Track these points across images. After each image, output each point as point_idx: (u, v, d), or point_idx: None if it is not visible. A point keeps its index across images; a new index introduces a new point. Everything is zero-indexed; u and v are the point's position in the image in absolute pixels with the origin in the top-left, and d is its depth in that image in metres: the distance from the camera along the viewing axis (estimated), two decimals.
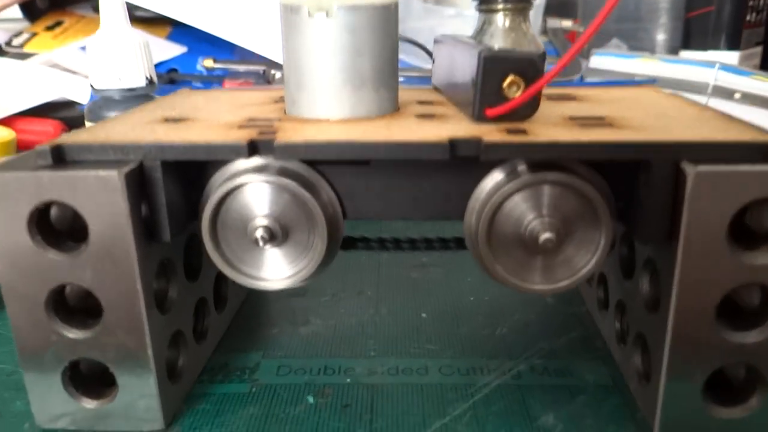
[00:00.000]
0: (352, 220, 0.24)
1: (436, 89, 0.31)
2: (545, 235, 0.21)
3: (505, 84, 0.22)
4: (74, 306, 0.23)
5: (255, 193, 0.22)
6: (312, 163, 0.23)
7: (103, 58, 0.35)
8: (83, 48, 0.64)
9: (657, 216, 0.21)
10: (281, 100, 0.28)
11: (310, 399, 0.25)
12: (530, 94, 0.22)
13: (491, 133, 0.21)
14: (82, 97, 0.55)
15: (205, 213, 0.22)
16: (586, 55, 0.71)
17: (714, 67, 0.57)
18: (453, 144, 0.21)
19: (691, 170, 0.19)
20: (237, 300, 0.32)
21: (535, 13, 0.65)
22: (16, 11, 0.75)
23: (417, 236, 0.30)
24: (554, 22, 0.78)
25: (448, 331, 0.30)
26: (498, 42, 0.42)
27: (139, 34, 0.36)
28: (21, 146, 0.51)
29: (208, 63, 0.62)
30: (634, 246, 0.25)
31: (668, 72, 0.60)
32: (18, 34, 0.71)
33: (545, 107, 0.26)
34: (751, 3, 0.69)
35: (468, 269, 0.36)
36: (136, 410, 0.23)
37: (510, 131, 0.22)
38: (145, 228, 0.22)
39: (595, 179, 0.22)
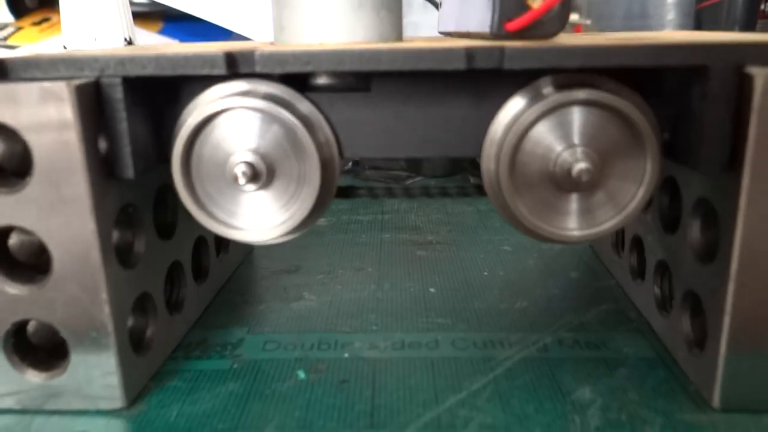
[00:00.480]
0: (350, 158, 0.20)
1: (446, 35, 0.28)
2: (579, 166, 0.18)
3: None
4: (23, 261, 0.19)
5: (239, 122, 0.19)
6: (304, 91, 0.19)
7: (76, 15, 0.32)
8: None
9: (717, 136, 0.17)
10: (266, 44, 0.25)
11: (301, 374, 0.21)
12: (556, 1, 0.18)
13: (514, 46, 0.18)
14: None
15: (177, 142, 0.18)
16: None
17: None
18: (470, 53, 0.17)
19: (760, 73, 0.16)
20: (221, 274, 0.28)
21: None
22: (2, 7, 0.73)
23: (431, 184, 0.26)
24: None
25: (461, 306, 0.26)
26: None
27: None
28: None
29: None
30: (679, 192, 0.21)
31: None
32: (2, 28, 0.69)
33: (570, 38, 0.22)
34: None
35: (481, 246, 0.33)
36: (92, 385, 0.19)
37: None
38: (104, 163, 0.18)
39: (635, 99, 0.18)
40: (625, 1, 0.85)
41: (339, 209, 0.40)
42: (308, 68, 0.18)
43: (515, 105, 0.19)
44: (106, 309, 0.18)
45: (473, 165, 0.45)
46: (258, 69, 0.18)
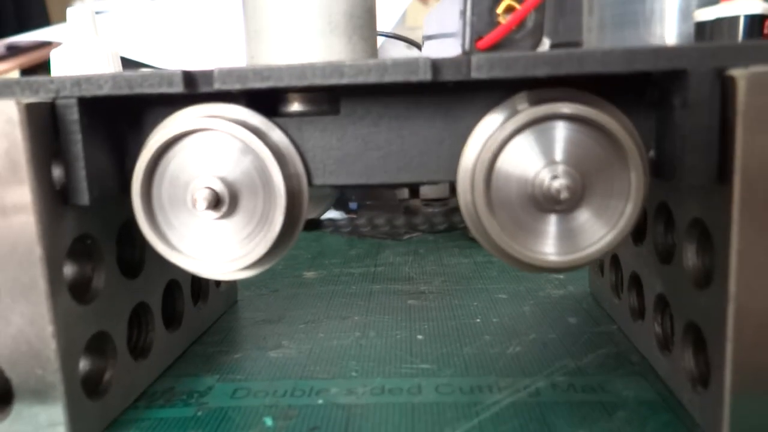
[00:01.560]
0: (319, 186, 0.19)
1: None
2: (559, 183, 0.17)
3: (500, 9, 0.18)
4: None
5: (206, 145, 0.18)
6: (272, 116, 0.19)
7: (70, 68, 0.32)
8: None
9: (701, 144, 0.16)
10: None
11: (268, 421, 0.19)
12: (526, 11, 0.18)
13: None
14: None
15: (142, 158, 0.18)
16: None
17: None
18: (436, 64, 0.17)
19: (742, 75, 0.15)
20: (198, 323, 0.27)
21: None
22: None
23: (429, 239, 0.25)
24: None
25: (449, 351, 0.24)
26: None
27: (108, 44, 0.33)
28: None
29: None
30: (673, 218, 0.20)
31: None
32: None
33: None
34: None
35: (475, 294, 0.31)
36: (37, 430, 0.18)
37: None
38: (60, 190, 0.17)
39: (614, 112, 0.17)
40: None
41: (331, 263, 0.38)
42: (269, 84, 0.17)
43: (490, 122, 0.18)
44: (53, 344, 0.17)
45: None
46: (217, 86, 0.17)
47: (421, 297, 0.31)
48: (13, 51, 0.72)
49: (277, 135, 0.19)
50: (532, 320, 0.27)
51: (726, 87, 0.15)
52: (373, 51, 0.22)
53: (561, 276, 0.33)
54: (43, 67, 0.74)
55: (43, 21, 1.01)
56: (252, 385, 0.22)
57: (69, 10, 0.33)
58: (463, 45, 0.19)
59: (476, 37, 0.18)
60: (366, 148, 0.19)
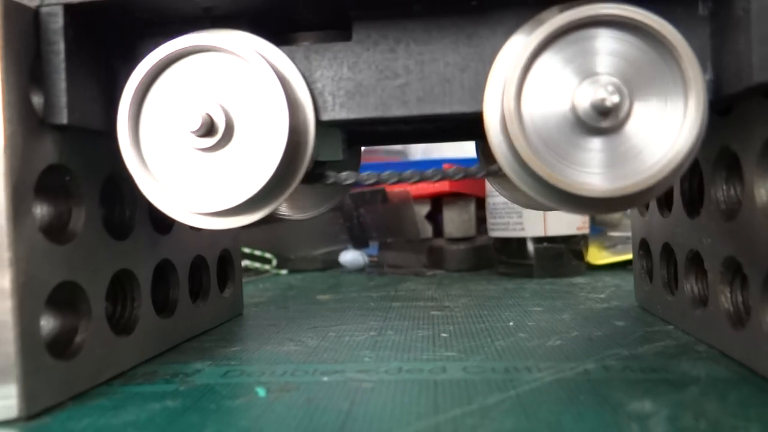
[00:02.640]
0: (326, 125, 0.17)
1: None
2: (602, 91, 0.14)
3: None
4: None
5: (203, 68, 0.16)
6: (279, 45, 0.17)
7: None
8: None
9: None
10: None
11: (261, 392, 0.16)
12: None
13: None
14: None
15: (131, 80, 0.16)
16: None
17: None
18: None
19: None
20: (195, 321, 0.24)
21: None
22: None
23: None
24: None
25: (478, 344, 0.21)
26: None
27: None
28: None
29: None
30: (738, 163, 0.17)
31: None
32: None
33: None
34: None
35: (506, 307, 0.28)
36: None
37: None
38: (35, 110, 0.16)
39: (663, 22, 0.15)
40: None
41: (348, 290, 0.35)
42: None
43: (518, 41, 0.16)
44: (9, 273, 0.14)
45: (501, 259, 0.40)
46: None
47: (446, 309, 0.28)
48: None
49: (283, 62, 0.17)
50: (573, 323, 0.24)
51: None
52: None
53: (602, 294, 0.30)
54: None
55: None
56: (246, 368, 0.19)
57: None
58: None
59: None
60: (381, 76, 0.17)
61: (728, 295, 0.18)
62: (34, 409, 0.15)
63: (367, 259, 0.46)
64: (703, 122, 0.14)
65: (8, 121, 0.15)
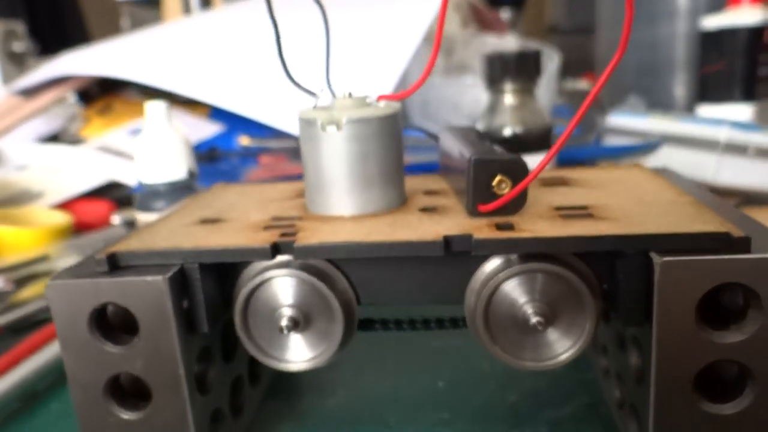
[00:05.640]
0: (366, 305, 0.27)
1: (442, 174, 0.34)
2: (535, 319, 0.24)
3: (494, 183, 0.25)
4: (128, 389, 0.26)
5: (279, 286, 0.25)
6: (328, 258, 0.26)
7: (148, 156, 0.40)
8: (131, 132, 0.70)
9: (634, 301, 0.23)
10: (302, 194, 0.32)
11: None
12: (517, 192, 0.25)
13: (482, 229, 0.24)
14: (130, 179, 0.61)
15: (237, 305, 0.25)
16: (604, 113, 0.73)
17: (724, 125, 0.59)
18: (447, 241, 0.24)
19: (657, 260, 0.22)
20: (270, 374, 0.35)
21: (549, 79, 0.69)
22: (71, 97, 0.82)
23: (431, 316, 0.32)
24: (571, 84, 0.82)
25: (463, 399, 0.32)
26: (506, 119, 0.45)
27: (180, 132, 0.41)
28: (78, 226, 0.56)
29: (245, 141, 0.67)
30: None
31: (681, 130, 0.63)
32: (73, 119, 0.78)
33: (537, 194, 0.29)
34: (761, 59, 0.71)
35: None
36: None
37: (499, 226, 0.24)
38: (187, 321, 0.25)
39: (581, 267, 0.24)
40: (636, 58, 0.91)
41: None
42: (330, 256, 0.24)
43: (490, 265, 0.25)
44: (191, 430, 0.25)
45: None
46: (295, 256, 0.24)
47: (443, 340, 0.39)
48: (27, 93, 0.76)
49: (329, 268, 0.26)
50: None
51: (650, 265, 0.22)
52: (401, 191, 0.29)
53: None
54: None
55: (82, 36, 1.07)
56: None
57: (146, 105, 0.40)
58: (467, 207, 0.26)
59: (479, 202, 0.25)
60: (397, 280, 0.26)
61: (618, 387, 0.29)
62: None
63: None
64: (594, 329, 0.24)
65: (179, 334, 0.24)
